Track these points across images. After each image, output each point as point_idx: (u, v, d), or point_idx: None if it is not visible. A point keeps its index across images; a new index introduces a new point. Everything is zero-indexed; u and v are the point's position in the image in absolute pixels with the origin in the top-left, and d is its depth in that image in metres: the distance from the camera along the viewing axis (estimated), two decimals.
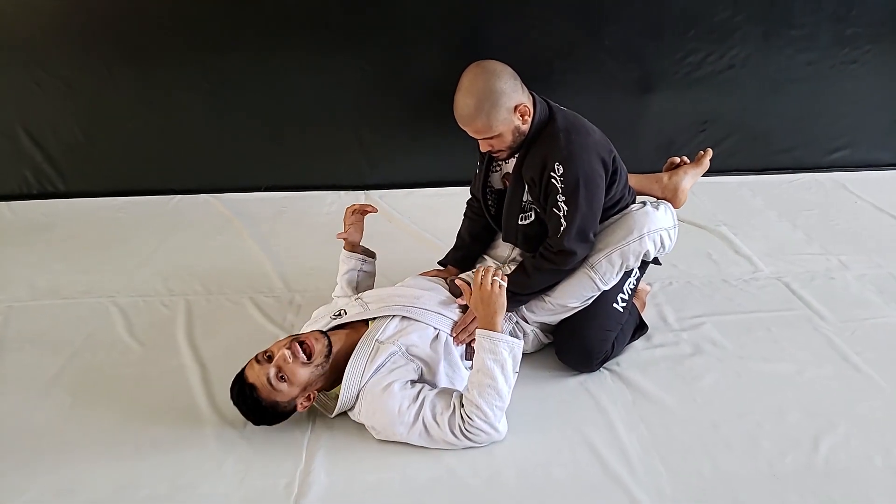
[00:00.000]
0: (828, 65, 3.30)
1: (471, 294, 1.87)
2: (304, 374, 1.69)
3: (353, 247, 2.20)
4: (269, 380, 1.66)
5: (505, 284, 1.77)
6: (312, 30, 3.11)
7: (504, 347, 1.72)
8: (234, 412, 1.85)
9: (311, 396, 1.74)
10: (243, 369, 1.74)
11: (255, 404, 1.69)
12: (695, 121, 3.39)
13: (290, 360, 1.67)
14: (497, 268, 2.15)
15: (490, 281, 1.75)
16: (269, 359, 1.69)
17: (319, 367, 1.72)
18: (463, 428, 1.68)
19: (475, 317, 1.89)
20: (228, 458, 1.73)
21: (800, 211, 3.08)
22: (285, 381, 1.67)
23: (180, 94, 3.23)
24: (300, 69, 3.19)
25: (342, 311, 1.93)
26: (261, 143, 3.35)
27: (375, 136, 3.37)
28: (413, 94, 3.26)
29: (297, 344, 1.71)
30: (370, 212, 2.15)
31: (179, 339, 2.24)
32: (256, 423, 1.75)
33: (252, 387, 1.68)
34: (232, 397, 1.74)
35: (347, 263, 2.19)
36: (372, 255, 2.24)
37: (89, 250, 2.88)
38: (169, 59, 3.15)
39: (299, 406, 1.73)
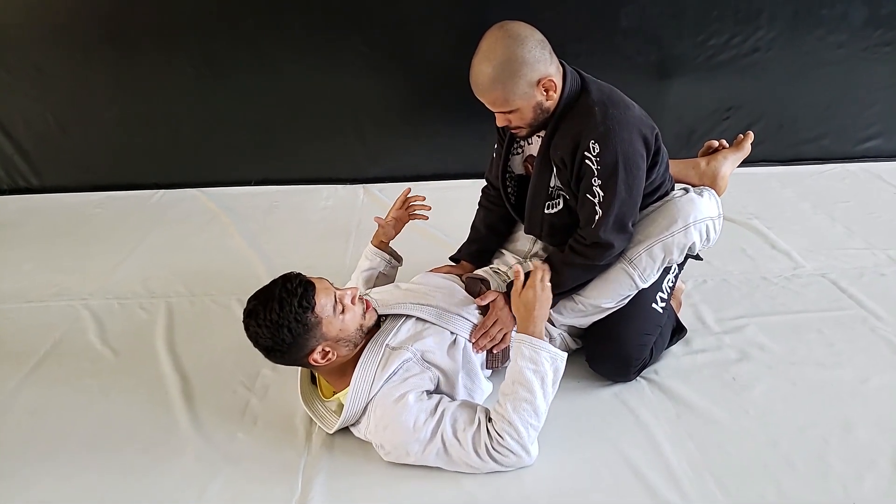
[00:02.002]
0: (860, 47, 3.15)
1: (497, 296, 1.72)
2: (351, 323, 1.54)
3: (382, 244, 2.02)
4: (336, 297, 1.52)
5: None
6: (308, 10, 2.99)
7: (546, 358, 1.53)
8: (220, 430, 1.70)
9: (330, 354, 1.52)
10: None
11: (300, 308, 1.44)
12: (717, 108, 3.26)
13: (356, 302, 1.57)
14: (517, 263, 1.93)
15: (540, 277, 1.57)
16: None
17: (358, 333, 1.56)
18: (490, 447, 1.47)
19: (496, 319, 1.72)
20: (212, 484, 1.56)
21: (835, 203, 2.91)
22: (342, 312, 1.52)
23: (164, 79, 3.12)
24: (295, 52, 3.09)
25: None
26: (251, 133, 3.24)
27: (375, 124, 3.25)
28: (416, 80, 3.17)
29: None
30: (419, 216, 2.00)
31: (158, 347, 2.08)
32: (273, 335, 1.44)
33: (312, 287, 1.49)
34: (270, 288, 1.48)
35: (372, 261, 2.01)
36: (399, 259, 2.06)
37: (63, 250, 2.76)
38: (151, 41, 3.06)
39: (317, 352, 1.49)
